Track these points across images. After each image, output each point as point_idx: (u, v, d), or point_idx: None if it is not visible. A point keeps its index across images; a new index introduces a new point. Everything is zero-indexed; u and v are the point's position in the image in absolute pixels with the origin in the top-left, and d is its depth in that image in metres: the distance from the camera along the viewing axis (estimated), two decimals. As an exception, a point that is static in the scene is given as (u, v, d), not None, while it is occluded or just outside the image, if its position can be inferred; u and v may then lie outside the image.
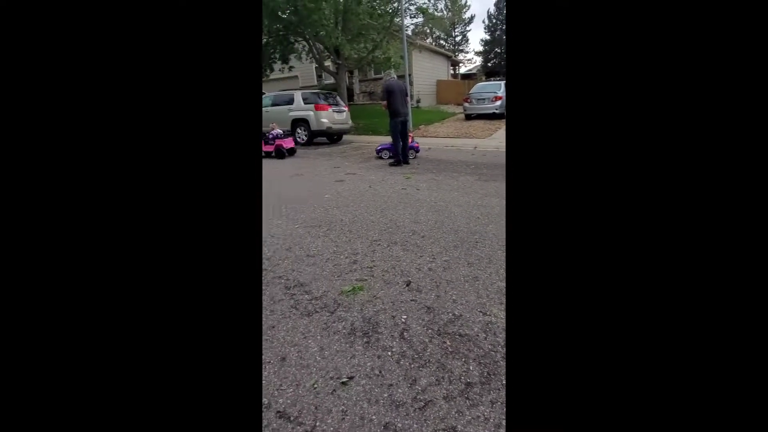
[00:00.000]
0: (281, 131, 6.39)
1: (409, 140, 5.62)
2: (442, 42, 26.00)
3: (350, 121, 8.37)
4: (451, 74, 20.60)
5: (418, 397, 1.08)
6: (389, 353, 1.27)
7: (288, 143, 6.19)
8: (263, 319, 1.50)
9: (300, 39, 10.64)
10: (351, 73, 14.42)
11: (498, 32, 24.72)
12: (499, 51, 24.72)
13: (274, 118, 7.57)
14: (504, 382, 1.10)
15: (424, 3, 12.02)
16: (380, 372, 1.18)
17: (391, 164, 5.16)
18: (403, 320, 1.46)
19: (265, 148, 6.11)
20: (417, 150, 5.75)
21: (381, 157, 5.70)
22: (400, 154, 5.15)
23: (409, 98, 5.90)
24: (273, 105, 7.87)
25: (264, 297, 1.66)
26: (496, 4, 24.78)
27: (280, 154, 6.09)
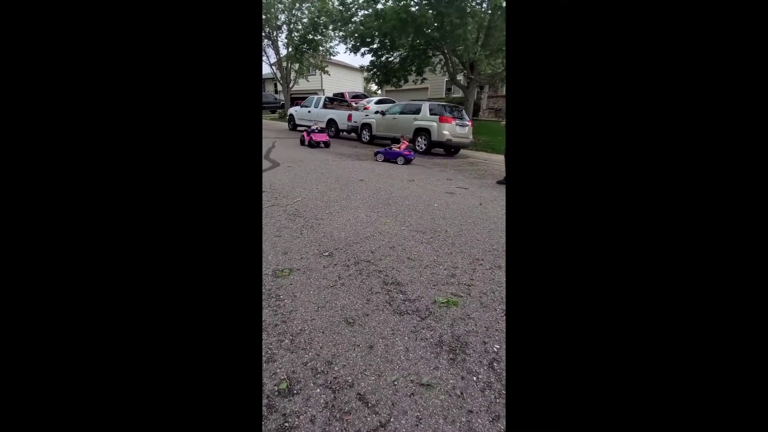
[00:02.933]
0: (317, 128, 8.04)
1: (402, 147, 6.27)
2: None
3: (471, 136, 8.23)
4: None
5: (499, 435, 0.99)
6: (474, 378, 1.20)
7: (320, 137, 7.65)
8: (360, 306, 1.61)
9: (438, 53, 11.02)
10: (481, 88, 14.17)
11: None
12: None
13: (400, 126, 8.04)
14: None
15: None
16: (461, 394, 1.13)
17: (498, 182, 4.92)
18: (495, 350, 1.36)
19: (306, 138, 7.72)
20: (409, 158, 6.07)
21: (377, 160, 6.29)
22: None
23: None
24: (401, 113, 8.36)
25: (363, 286, 1.79)
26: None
27: (312, 144, 7.55)
